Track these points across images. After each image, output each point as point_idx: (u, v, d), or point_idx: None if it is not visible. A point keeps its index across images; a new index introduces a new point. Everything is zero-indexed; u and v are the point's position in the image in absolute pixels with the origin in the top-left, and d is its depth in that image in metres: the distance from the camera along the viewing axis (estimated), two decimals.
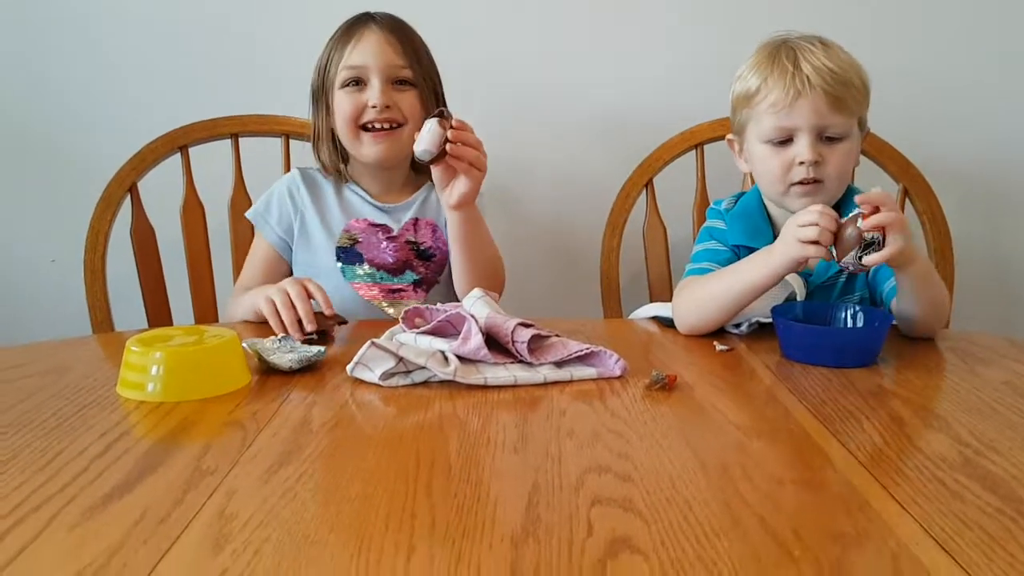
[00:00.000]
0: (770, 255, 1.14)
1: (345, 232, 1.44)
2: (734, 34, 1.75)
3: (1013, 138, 1.84)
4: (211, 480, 0.71)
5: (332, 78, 1.39)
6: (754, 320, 1.19)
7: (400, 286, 1.43)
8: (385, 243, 1.44)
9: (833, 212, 1.09)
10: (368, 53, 1.38)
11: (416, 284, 1.44)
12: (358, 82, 1.38)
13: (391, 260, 1.43)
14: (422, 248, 1.46)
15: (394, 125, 1.39)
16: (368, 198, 1.46)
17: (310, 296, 1.19)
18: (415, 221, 1.47)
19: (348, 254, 1.43)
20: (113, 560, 0.58)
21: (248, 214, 1.49)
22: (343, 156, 1.46)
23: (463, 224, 1.33)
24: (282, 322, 1.16)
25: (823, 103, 1.18)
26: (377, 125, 1.38)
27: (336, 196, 1.47)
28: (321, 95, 1.43)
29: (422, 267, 1.45)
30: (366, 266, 1.42)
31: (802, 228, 1.09)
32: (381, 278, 1.43)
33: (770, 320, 1.17)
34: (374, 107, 1.37)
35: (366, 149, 1.41)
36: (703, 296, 1.20)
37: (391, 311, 1.39)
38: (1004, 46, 1.81)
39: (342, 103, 1.39)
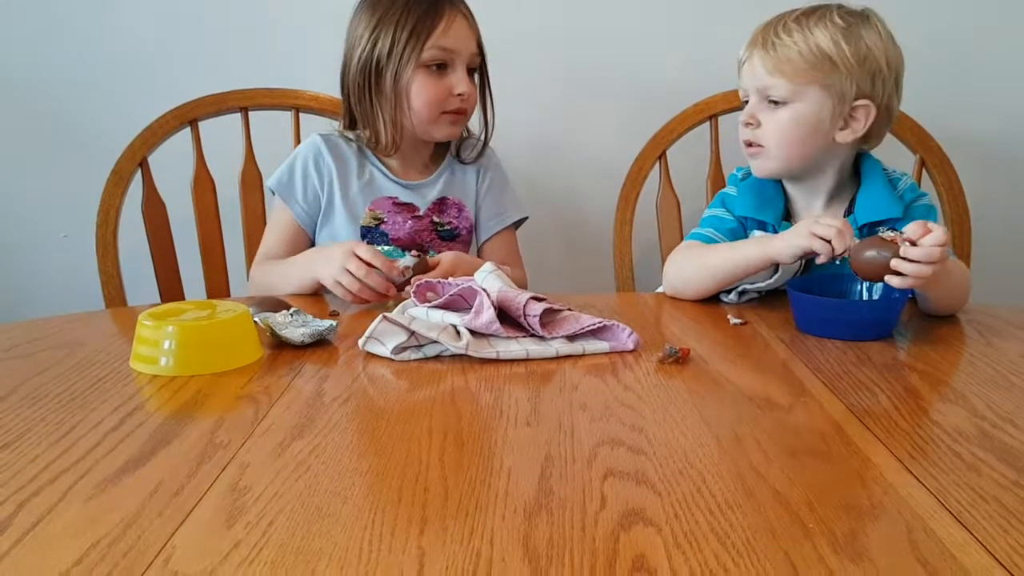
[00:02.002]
0: (774, 238, 1.15)
1: (370, 211, 1.42)
2: (749, 5, 1.73)
3: None
4: (224, 453, 0.71)
5: (406, 53, 1.34)
6: (741, 288, 1.20)
7: None
8: (410, 223, 1.43)
9: (851, 230, 1.09)
10: (460, 38, 1.36)
11: None
12: (441, 65, 1.36)
13: (414, 239, 1.42)
14: (446, 228, 1.45)
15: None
16: (391, 175, 1.44)
17: (371, 265, 1.18)
18: (442, 200, 1.46)
19: (372, 233, 1.41)
20: (128, 532, 0.58)
21: (271, 184, 1.45)
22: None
23: None
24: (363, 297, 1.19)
25: (759, 65, 1.22)
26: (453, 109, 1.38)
27: (359, 169, 1.44)
28: (385, 69, 1.36)
29: (445, 248, 1.43)
30: (391, 246, 1.41)
31: (819, 225, 1.08)
32: (405, 259, 1.41)
33: (758, 288, 1.20)
34: (459, 95, 1.36)
35: (440, 130, 1.40)
36: (697, 265, 1.22)
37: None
38: None
39: (426, 85, 1.35)
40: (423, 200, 1.45)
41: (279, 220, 1.44)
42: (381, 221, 1.42)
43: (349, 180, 1.43)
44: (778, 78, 1.20)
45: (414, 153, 1.46)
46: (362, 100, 1.39)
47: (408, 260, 1.22)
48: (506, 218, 1.51)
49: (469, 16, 1.39)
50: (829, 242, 1.07)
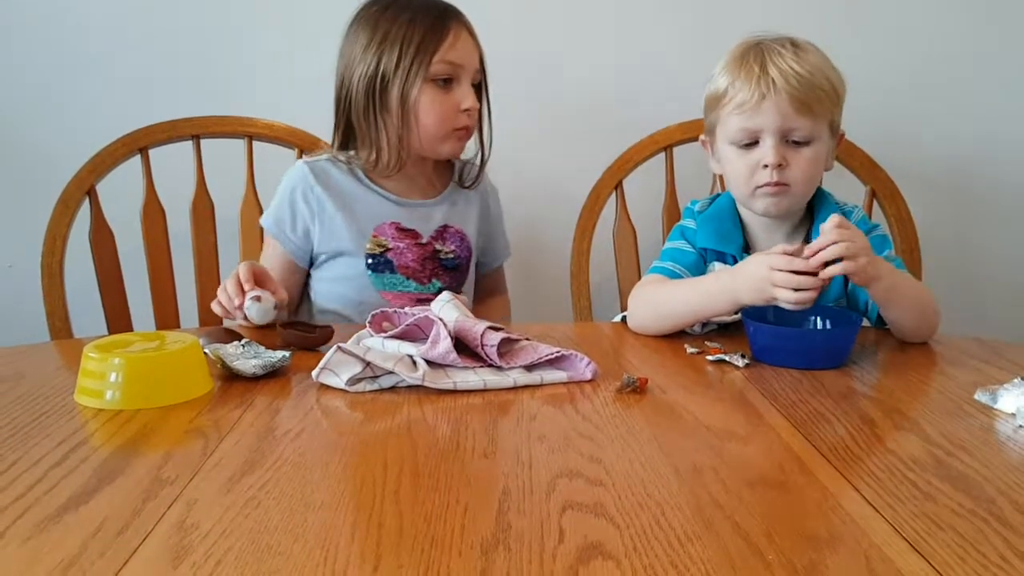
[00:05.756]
0: (735, 294, 1.12)
1: (374, 238, 1.38)
2: (703, 36, 1.76)
3: (980, 140, 1.86)
4: (171, 490, 0.69)
5: (413, 68, 1.30)
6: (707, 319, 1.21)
7: (428, 296, 1.37)
8: (414, 251, 1.39)
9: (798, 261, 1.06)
10: (465, 52, 1.34)
11: (441, 292, 1.40)
12: (447, 80, 1.33)
13: (419, 268, 1.39)
14: (448, 257, 1.42)
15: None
16: (391, 196, 1.40)
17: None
18: (444, 228, 1.43)
19: (377, 261, 1.37)
20: (69, 573, 0.56)
21: (265, 224, 1.40)
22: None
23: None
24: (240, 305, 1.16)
25: (788, 106, 1.18)
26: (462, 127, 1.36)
27: (356, 194, 1.39)
28: (391, 86, 1.31)
29: (447, 276, 1.41)
30: (397, 275, 1.38)
31: (777, 275, 1.06)
32: (410, 286, 1.39)
33: (721, 321, 1.20)
34: (466, 111, 1.34)
35: (448, 147, 1.37)
36: (660, 306, 1.21)
37: None
38: (973, 48, 1.83)
39: (434, 101, 1.32)
40: (426, 226, 1.41)
41: (269, 259, 1.39)
42: (386, 248, 1.38)
43: (347, 206, 1.38)
44: (807, 119, 1.18)
45: (417, 173, 1.42)
46: (367, 119, 1.34)
47: (252, 305, 1.16)
48: (501, 256, 1.55)
49: (473, 32, 1.37)
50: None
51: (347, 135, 1.39)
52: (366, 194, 1.39)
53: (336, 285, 1.39)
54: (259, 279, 1.19)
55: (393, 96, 1.32)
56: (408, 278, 1.38)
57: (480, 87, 1.41)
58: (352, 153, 1.40)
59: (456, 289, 1.42)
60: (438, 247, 1.41)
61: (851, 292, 1.26)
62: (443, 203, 1.44)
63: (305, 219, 1.38)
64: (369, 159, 1.37)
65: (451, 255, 1.42)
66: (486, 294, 1.57)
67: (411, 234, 1.40)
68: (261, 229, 1.45)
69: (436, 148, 1.37)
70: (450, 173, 1.48)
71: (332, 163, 1.40)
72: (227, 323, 1.24)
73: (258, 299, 1.15)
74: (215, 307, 1.20)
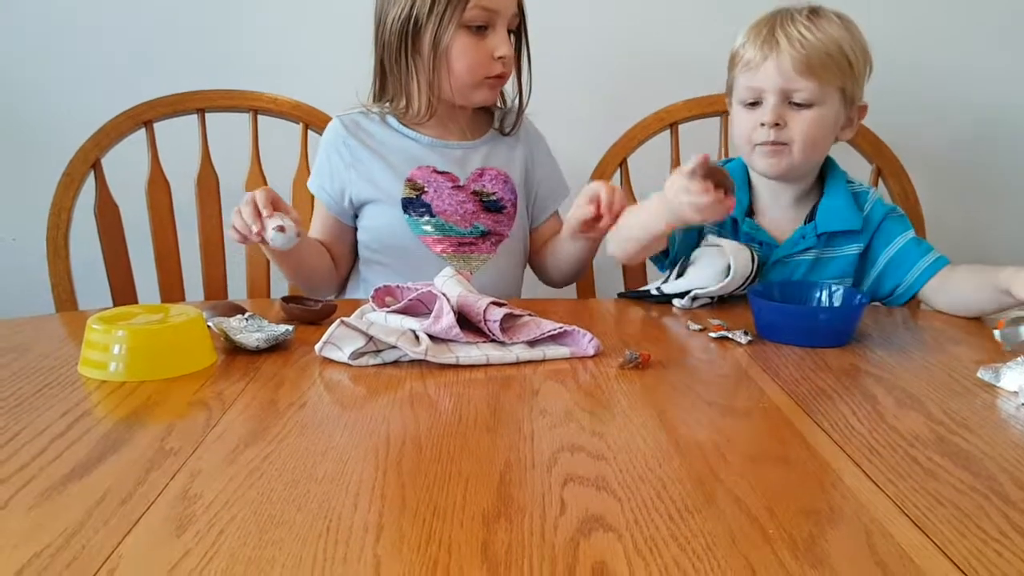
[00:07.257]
0: (666, 206, 1.13)
1: (409, 182, 1.36)
2: (710, 13, 1.75)
3: (986, 119, 1.85)
4: (174, 460, 0.69)
5: (447, 13, 1.26)
6: (695, 293, 1.21)
7: (470, 239, 1.37)
8: (452, 193, 1.37)
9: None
10: None
11: (484, 236, 1.39)
12: (482, 26, 1.29)
13: (457, 210, 1.37)
14: (491, 199, 1.39)
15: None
16: (426, 139, 1.38)
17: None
18: (483, 171, 1.40)
19: (414, 205, 1.35)
20: (72, 542, 0.56)
21: (309, 185, 1.41)
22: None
23: None
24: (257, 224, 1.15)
25: (788, 66, 1.20)
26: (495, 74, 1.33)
27: (389, 141, 1.37)
28: (424, 30, 1.28)
29: (490, 219, 1.39)
30: (436, 218, 1.36)
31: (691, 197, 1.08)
32: (450, 229, 1.36)
33: (709, 293, 1.21)
34: (500, 58, 1.31)
35: (480, 95, 1.35)
36: (622, 228, 1.24)
37: (456, 266, 1.31)
38: (978, 28, 1.82)
39: (467, 48, 1.29)
40: (463, 169, 1.39)
41: (315, 213, 1.42)
42: (422, 191, 1.36)
43: (382, 153, 1.37)
44: (809, 80, 1.20)
45: (451, 119, 1.40)
46: (398, 63, 1.32)
47: (278, 222, 1.15)
48: (560, 194, 1.50)
49: None
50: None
51: (383, 81, 1.38)
52: (400, 140, 1.38)
53: (377, 234, 1.38)
54: (276, 204, 1.18)
55: (425, 41, 1.29)
56: (448, 221, 1.36)
57: (519, 32, 1.37)
58: (386, 105, 1.39)
59: (503, 234, 1.41)
60: (477, 188, 1.39)
61: (884, 271, 1.28)
62: (481, 147, 1.42)
63: (340, 173, 1.37)
64: (399, 106, 1.36)
65: (493, 196, 1.40)
66: (555, 235, 1.48)
67: (448, 176, 1.38)
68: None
69: (467, 95, 1.34)
70: (490, 120, 1.46)
71: (364, 115, 1.40)
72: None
73: (282, 229, 1.15)
74: (231, 234, 1.18)
